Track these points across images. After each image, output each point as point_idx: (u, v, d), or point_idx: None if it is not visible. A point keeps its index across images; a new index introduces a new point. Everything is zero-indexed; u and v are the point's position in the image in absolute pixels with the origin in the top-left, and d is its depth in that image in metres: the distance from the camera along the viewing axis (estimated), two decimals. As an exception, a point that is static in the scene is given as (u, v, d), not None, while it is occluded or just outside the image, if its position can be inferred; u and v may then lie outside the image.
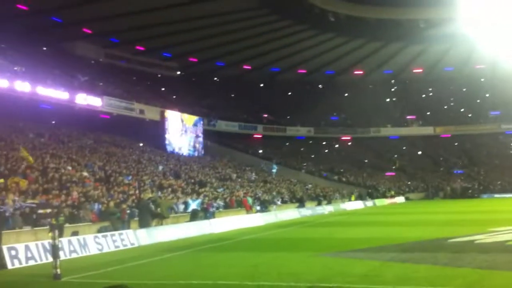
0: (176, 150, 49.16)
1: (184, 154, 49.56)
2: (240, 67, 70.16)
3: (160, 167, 38.33)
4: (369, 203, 52.04)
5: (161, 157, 43.17)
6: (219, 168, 47.19)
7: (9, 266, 14.35)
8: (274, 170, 54.70)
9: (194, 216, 26.01)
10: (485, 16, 57.82)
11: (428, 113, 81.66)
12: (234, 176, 45.12)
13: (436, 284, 9.58)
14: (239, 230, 24.95)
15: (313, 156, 70.79)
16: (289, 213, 34.82)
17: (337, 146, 77.05)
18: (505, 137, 77.24)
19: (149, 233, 20.66)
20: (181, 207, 28.36)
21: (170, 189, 31.28)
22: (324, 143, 76.16)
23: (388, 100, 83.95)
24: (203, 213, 26.95)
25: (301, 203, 41.55)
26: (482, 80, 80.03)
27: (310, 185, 54.51)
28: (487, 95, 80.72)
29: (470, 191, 64.93)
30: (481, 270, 10.61)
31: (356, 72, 77.88)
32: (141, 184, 27.49)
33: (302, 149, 71.67)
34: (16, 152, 26.38)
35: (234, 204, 33.43)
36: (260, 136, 68.92)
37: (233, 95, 71.62)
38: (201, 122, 55.05)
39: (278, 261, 13.68)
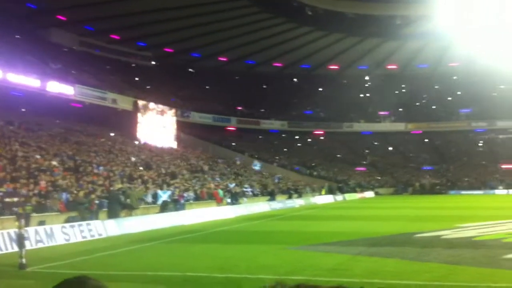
0: (148, 140, 48.73)
1: (156, 145, 49.18)
2: (216, 59, 69.85)
3: (132, 158, 37.98)
4: (339, 197, 52.45)
5: (132, 148, 42.76)
6: (191, 160, 46.99)
7: (-27, 255, 14.06)
8: (257, 167, 54.81)
9: (164, 207, 25.86)
10: (460, 15, 58.74)
11: (401, 109, 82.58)
12: (206, 168, 44.98)
13: (403, 278, 9.71)
14: (210, 223, 24.90)
15: (286, 149, 71.07)
16: (260, 206, 34.89)
17: (310, 140, 77.43)
18: (474, 135, 78.70)
19: (118, 224, 20.46)
20: (151, 198, 28.16)
21: (140, 180, 31.01)
22: (297, 137, 76.44)
23: (362, 95, 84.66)
24: (174, 204, 26.80)
25: (272, 196, 41.66)
26: (454, 78, 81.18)
27: (280, 176, 54.63)
28: (459, 93, 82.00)
29: (438, 187, 65.99)
30: (447, 265, 10.78)
31: (331, 67, 78.27)
32: (111, 175, 27.18)
33: (275, 142, 71.85)
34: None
35: (205, 196, 33.32)
36: (234, 128, 68.84)
37: (208, 87, 71.28)
38: (175, 113, 54.68)
39: (248, 254, 13.69)
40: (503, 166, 69.93)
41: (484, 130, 78.23)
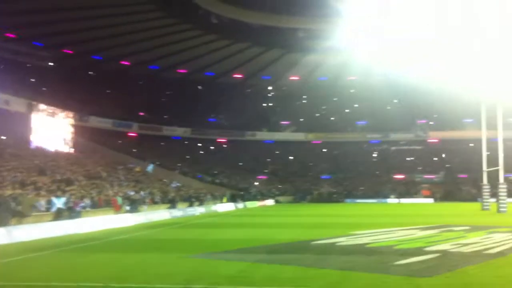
0: (43, 145, 46.31)
1: (51, 149, 46.85)
2: (118, 63, 68.06)
3: (25, 163, 35.92)
4: (241, 205, 52.81)
5: (25, 152, 40.45)
6: (89, 166, 45.27)
7: None
8: (149, 169, 53.70)
9: (58, 215, 24.63)
10: (360, 31, 61.42)
11: (302, 119, 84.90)
12: (104, 174, 43.52)
13: (300, 284, 9.88)
14: (107, 231, 24.05)
15: (188, 157, 70.56)
16: (160, 214, 34.26)
17: (213, 148, 77.47)
18: (369, 146, 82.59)
19: (8, 232, 19.18)
20: (45, 205, 26.72)
21: (33, 186, 29.37)
22: (200, 144, 76.24)
23: (265, 105, 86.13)
24: (69, 212, 25.60)
25: (172, 204, 41.09)
26: (352, 91, 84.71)
27: (178, 183, 53.97)
28: (356, 105, 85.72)
29: (335, 195, 68.40)
30: (342, 271, 11.10)
31: (235, 76, 78.92)
32: (2, 180, 25.53)
33: (177, 149, 71.13)
34: None
35: (102, 204, 32.19)
36: (135, 134, 67.31)
37: (109, 91, 69.23)
38: (73, 117, 52.42)
39: (146, 263, 13.32)
40: (395, 177, 73.92)
41: (378, 141, 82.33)
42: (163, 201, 42.18)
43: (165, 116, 74.16)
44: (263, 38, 64.87)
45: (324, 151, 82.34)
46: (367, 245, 15.65)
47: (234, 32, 62.54)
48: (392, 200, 66.41)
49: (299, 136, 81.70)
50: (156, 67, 72.57)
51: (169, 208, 38.78)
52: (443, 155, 78.97)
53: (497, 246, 14.72)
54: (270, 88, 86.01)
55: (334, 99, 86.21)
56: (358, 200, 66.36)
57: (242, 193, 60.66)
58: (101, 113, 61.51)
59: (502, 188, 36.87)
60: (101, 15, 52.52)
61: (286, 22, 62.12)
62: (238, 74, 78.72)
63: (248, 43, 66.98)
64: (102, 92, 67.09)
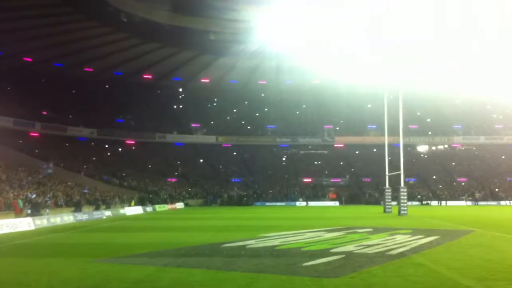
0: None
1: None
2: (21, 59, 64.59)
3: None
4: (149, 208, 51.89)
5: None
6: (-13, 166, 42.62)
7: None
8: (49, 171, 51.39)
9: (-49, 218, 22.97)
10: (273, 35, 62.52)
11: (212, 122, 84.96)
12: (3, 176, 41.14)
13: (209, 287, 9.85)
14: (7, 235, 22.76)
15: (94, 158, 68.29)
16: (64, 218, 32.89)
17: (121, 149, 75.56)
18: (279, 149, 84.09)
19: None
20: None
21: None
22: (107, 146, 74.09)
23: (175, 107, 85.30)
24: (-37, 215, 23.95)
25: (77, 207, 39.61)
26: (262, 95, 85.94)
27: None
28: (266, 109, 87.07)
29: (245, 198, 68.98)
30: (251, 273, 11.17)
31: (146, 76, 77.50)
32: None
33: (83, 151, 68.59)
34: None
35: (2, 207, 30.42)
36: (37, 134, 64.23)
37: (9, 88, 65.48)
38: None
39: (50, 268, 12.70)
40: (303, 180, 75.77)
41: (287, 145, 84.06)
42: (67, 204, 40.55)
43: (70, 116, 71.35)
44: (174, 39, 64.15)
45: (234, 154, 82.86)
46: (276, 247, 15.85)
47: (145, 31, 61.38)
48: (300, 203, 67.93)
49: (210, 139, 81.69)
50: (61, 65, 69.55)
51: (74, 211, 37.34)
52: (349, 160, 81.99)
53: (399, 247, 15.43)
54: (181, 90, 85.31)
55: (245, 102, 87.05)
56: (268, 203, 67.29)
57: (151, 196, 59.63)
58: (1, 111, 58.07)
59: (403, 192, 38.77)
60: (1, 8, 49.66)
61: (198, 24, 61.82)
62: (148, 74, 77.36)
63: (159, 43, 66.02)
64: (2, 89, 63.29)
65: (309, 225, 25.77)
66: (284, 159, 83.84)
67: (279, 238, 18.71)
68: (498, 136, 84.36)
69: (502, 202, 67.92)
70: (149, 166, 73.60)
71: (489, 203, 67.91)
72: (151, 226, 29.36)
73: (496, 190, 73.49)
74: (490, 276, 10.57)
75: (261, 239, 18.28)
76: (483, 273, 10.89)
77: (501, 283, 9.65)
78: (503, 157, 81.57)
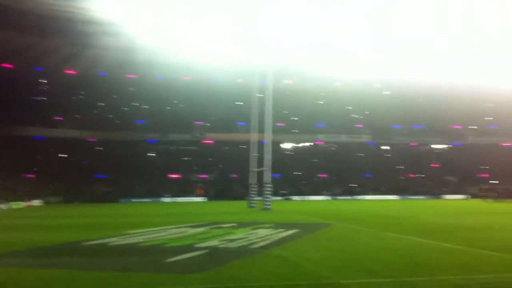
0: None
1: None
2: None
3: None
4: (4, 205, 48.65)
5: None
6: None
7: None
8: None
9: None
10: (143, 29, 61.44)
11: (77, 116, 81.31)
12: None
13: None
14: None
15: None
16: None
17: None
18: (148, 145, 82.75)
19: None
20: None
21: None
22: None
23: (37, 98, 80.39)
24: None
25: None
26: (131, 89, 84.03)
27: None
28: (136, 104, 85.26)
29: (110, 195, 67.02)
30: (113, 272, 10.88)
31: (4, 65, 72.06)
32: None
33: None
34: None
35: None
36: None
37: None
38: None
39: None
40: (171, 176, 75.35)
41: (156, 141, 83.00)
42: None
43: None
44: (37, 26, 60.46)
45: (100, 149, 79.98)
46: (140, 244, 15.60)
47: (3, 16, 57.14)
48: (167, 199, 67.44)
49: (74, 133, 78.02)
50: None
51: None
52: (217, 156, 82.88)
53: (261, 241, 15.89)
54: (43, 81, 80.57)
55: (114, 96, 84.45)
56: (134, 200, 65.99)
57: (6, 192, 55.77)
58: None
59: (267, 188, 40.04)
60: None
61: (64, 12, 58.82)
62: (7, 64, 71.96)
63: (19, 30, 61.76)
64: None
65: (175, 221, 25.66)
66: (152, 154, 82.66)
67: (143, 235, 18.42)
68: (357, 135, 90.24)
69: (357, 197, 72.93)
70: (4, 160, 68.51)
71: (345, 197, 72.57)
72: (5, 224, 27.44)
73: (353, 185, 78.67)
74: (346, 266, 11.26)
75: (124, 237, 17.86)
76: (339, 264, 11.58)
77: (356, 273, 10.30)
78: (361, 154, 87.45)
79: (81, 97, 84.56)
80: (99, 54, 69.08)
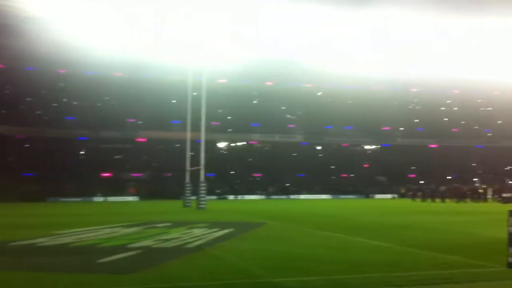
0: None
1: None
2: None
3: None
4: None
5: None
6: None
7: None
8: None
9: None
10: (71, 23, 59.61)
11: (4, 111, 78.02)
12: None
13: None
14: None
15: None
16: None
17: None
18: (78, 142, 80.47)
19: None
20: None
21: None
22: None
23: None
24: None
25: None
26: (62, 84, 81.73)
27: None
28: (65, 100, 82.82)
29: (37, 194, 64.73)
30: (42, 273, 10.49)
31: None
32: None
33: None
34: None
35: None
36: None
37: None
38: None
39: None
40: (103, 175, 73.63)
41: (87, 138, 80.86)
42: None
43: None
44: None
45: (27, 146, 77.00)
46: (71, 245, 15.13)
47: None
48: (98, 199, 65.90)
49: (0, 129, 74.73)
50: None
51: None
52: (151, 155, 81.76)
53: (196, 241, 15.80)
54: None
55: (42, 91, 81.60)
56: (62, 199, 64.04)
57: None
58: None
59: (203, 187, 39.93)
60: None
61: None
62: None
63: None
64: None
65: (107, 221, 25.07)
66: (82, 152, 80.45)
67: (74, 235, 17.87)
68: (290, 135, 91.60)
69: (292, 196, 74.00)
70: None
71: (280, 196, 73.46)
72: None
73: (287, 185, 79.76)
74: (279, 265, 11.36)
75: (53, 237, 17.26)
76: (272, 262, 11.66)
77: (289, 272, 10.43)
78: (295, 154, 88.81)
79: (7, 92, 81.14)
80: (28, 48, 66.56)
